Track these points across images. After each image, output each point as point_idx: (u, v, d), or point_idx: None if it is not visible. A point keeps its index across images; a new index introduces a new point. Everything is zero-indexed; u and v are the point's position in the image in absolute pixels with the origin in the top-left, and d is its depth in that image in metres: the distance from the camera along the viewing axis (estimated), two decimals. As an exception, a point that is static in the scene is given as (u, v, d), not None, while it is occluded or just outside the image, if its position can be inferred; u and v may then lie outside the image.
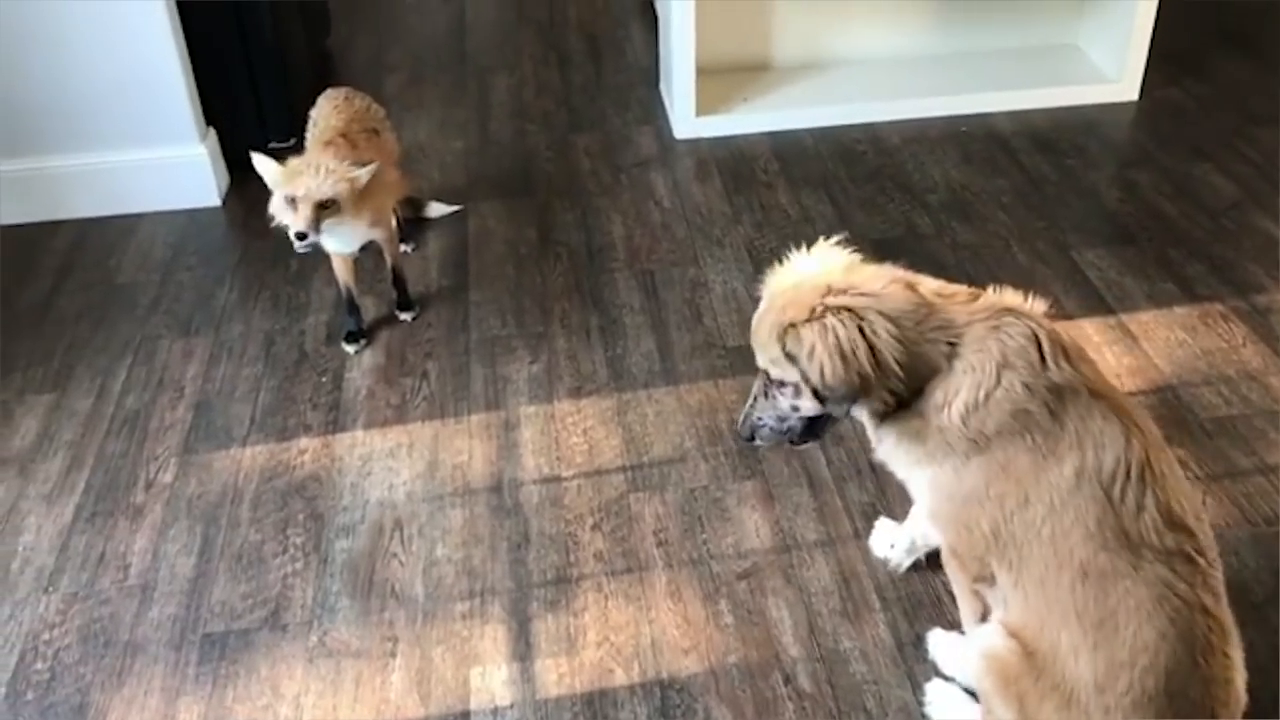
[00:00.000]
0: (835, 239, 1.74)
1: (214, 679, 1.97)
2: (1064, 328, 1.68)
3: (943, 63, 3.69)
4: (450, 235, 3.06)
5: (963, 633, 1.92)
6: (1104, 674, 1.54)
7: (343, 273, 2.67)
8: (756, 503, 2.25)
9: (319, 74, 3.65)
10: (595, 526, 2.22)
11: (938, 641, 1.95)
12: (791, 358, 1.63)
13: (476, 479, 2.33)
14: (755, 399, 1.77)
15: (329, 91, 2.79)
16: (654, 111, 3.59)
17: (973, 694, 1.80)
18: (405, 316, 2.76)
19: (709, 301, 2.78)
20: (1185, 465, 2.28)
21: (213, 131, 3.21)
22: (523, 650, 2.00)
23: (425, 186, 3.20)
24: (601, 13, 4.25)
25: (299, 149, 2.66)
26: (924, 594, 2.07)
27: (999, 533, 1.61)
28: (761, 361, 1.72)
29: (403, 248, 2.92)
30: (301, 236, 2.36)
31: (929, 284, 1.68)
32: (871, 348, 1.58)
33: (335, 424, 2.47)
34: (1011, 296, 1.66)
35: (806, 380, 1.62)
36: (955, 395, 1.59)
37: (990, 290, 1.68)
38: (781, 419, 1.75)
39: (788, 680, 1.94)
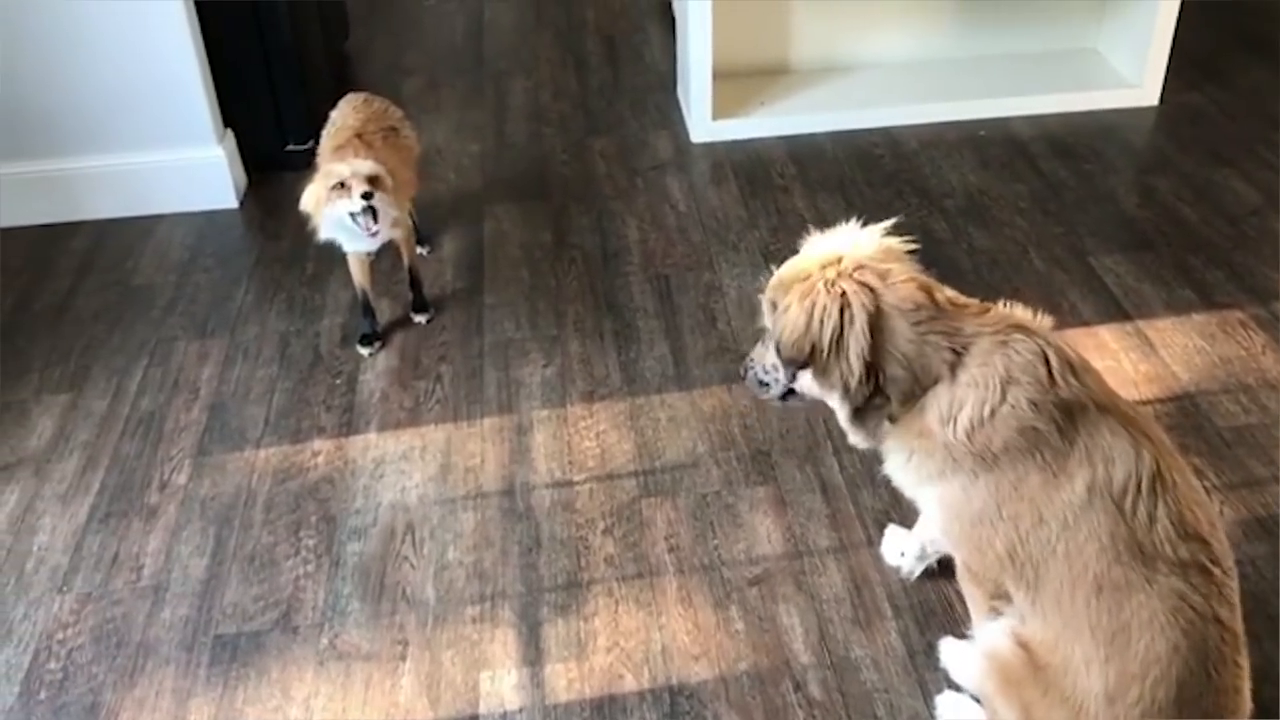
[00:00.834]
0: (891, 223, 1.72)
1: (225, 680, 1.98)
2: (1080, 334, 1.68)
3: (961, 67, 3.68)
4: (465, 238, 3.06)
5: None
6: (1115, 685, 1.53)
7: (359, 275, 2.68)
8: (769, 508, 2.25)
9: (337, 77, 3.66)
10: (607, 531, 2.22)
11: (949, 650, 1.93)
12: (774, 309, 1.68)
13: (489, 482, 2.33)
14: (758, 344, 1.82)
15: (349, 95, 2.79)
16: (671, 115, 3.59)
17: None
18: (420, 319, 2.77)
19: (723, 306, 2.77)
20: (1202, 474, 2.26)
21: (230, 133, 3.23)
22: (533, 655, 2.00)
23: (440, 188, 3.20)
24: (619, 16, 4.25)
25: (316, 151, 2.68)
26: (936, 602, 2.05)
27: (1015, 554, 1.60)
28: (763, 322, 1.76)
29: (419, 250, 2.92)
30: (367, 196, 2.40)
31: (946, 292, 1.66)
32: (841, 330, 1.58)
33: (349, 426, 2.48)
34: (1021, 313, 1.65)
35: (772, 335, 1.68)
36: (959, 410, 1.58)
37: (1001, 304, 1.67)
38: (765, 371, 1.79)
39: (798, 687, 1.93)
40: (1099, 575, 1.53)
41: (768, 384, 1.80)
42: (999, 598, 1.72)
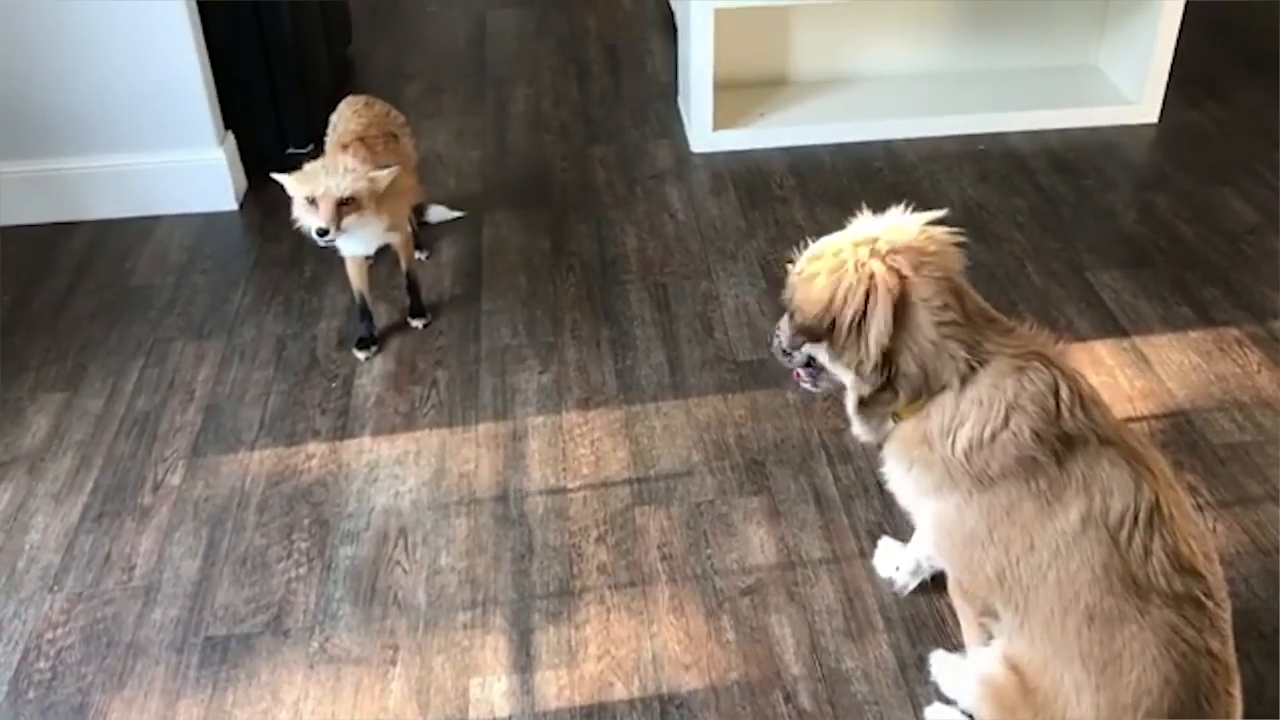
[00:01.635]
0: (941, 213, 1.69)
1: (214, 682, 1.98)
2: (1077, 349, 1.68)
3: (962, 81, 3.69)
4: (464, 244, 3.06)
5: (966, 656, 1.91)
6: (1106, 715, 1.52)
7: (357, 278, 2.68)
8: (762, 519, 2.24)
9: (339, 81, 3.67)
10: (600, 539, 2.21)
11: (940, 664, 1.93)
12: (800, 279, 1.64)
13: (482, 488, 2.33)
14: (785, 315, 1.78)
15: (349, 98, 2.80)
16: (671, 125, 3.59)
17: (973, 719, 1.79)
18: (417, 324, 2.77)
19: (720, 315, 2.77)
20: (1195, 491, 2.26)
21: (231, 136, 3.23)
22: (523, 661, 2.00)
23: (440, 194, 3.20)
24: (622, 25, 4.26)
25: (317, 155, 2.67)
26: (928, 615, 2.05)
27: (1004, 577, 1.60)
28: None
29: (417, 254, 2.92)
30: (323, 233, 2.37)
31: (978, 300, 1.64)
32: (864, 311, 1.56)
33: (344, 430, 2.47)
34: (1044, 339, 1.64)
35: (792, 305, 1.65)
36: (960, 425, 1.57)
37: (1028, 327, 1.66)
38: (790, 341, 1.75)
39: (788, 699, 1.92)
40: (1090, 605, 1.53)
41: (790, 354, 1.76)
42: (988, 614, 1.72)
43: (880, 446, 1.76)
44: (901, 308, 1.56)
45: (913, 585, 2.07)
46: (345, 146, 2.56)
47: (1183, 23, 3.38)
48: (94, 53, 2.95)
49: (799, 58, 3.71)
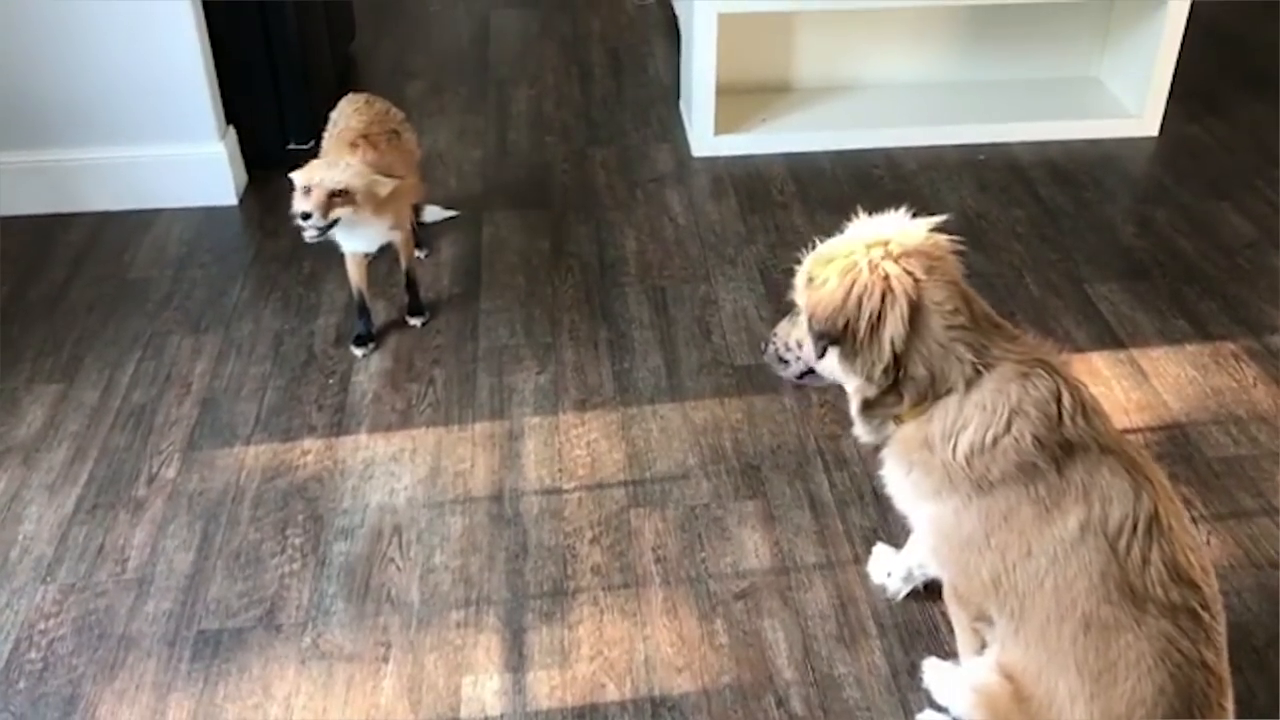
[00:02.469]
0: (942, 219, 1.68)
1: (206, 676, 1.97)
2: (1074, 361, 1.67)
3: (963, 91, 3.69)
4: (463, 243, 3.06)
5: (959, 663, 1.91)
6: None
7: (356, 275, 2.68)
8: (757, 523, 2.24)
9: (341, 78, 3.67)
10: (594, 540, 2.21)
11: (932, 671, 1.93)
12: (810, 282, 1.62)
13: (478, 487, 2.33)
14: (784, 320, 1.78)
15: (349, 95, 2.80)
16: (673, 128, 3.60)
17: (965, 725, 1.79)
18: (415, 322, 2.76)
19: (719, 320, 2.77)
20: (1190, 504, 2.26)
21: (232, 130, 3.23)
22: (516, 661, 1.99)
23: (441, 193, 3.20)
24: (625, 28, 4.27)
25: (318, 152, 2.67)
26: (921, 622, 2.05)
27: (1000, 582, 1.60)
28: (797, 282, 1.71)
29: (417, 253, 2.92)
30: (306, 216, 2.37)
31: (984, 307, 1.65)
32: (880, 313, 1.55)
33: (340, 426, 2.47)
34: (1049, 348, 1.64)
35: (806, 308, 1.63)
36: (961, 430, 1.57)
37: (1030, 335, 1.66)
38: (787, 348, 1.76)
39: (780, 703, 1.92)
40: (1087, 613, 1.53)
41: (787, 361, 1.76)
42: (982, 620, 1.72)
43: (879, 449, 1.76)
44: (915, 311, 1.56)
45: (905, 591, 2.08)
46: (353, 145, 2.56)
47: (1185, 37, 3.39)
48: (96, 44, 2.95)
49: (801, 64, 3.71)
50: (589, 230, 3.11)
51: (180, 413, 2.51)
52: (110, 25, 2.93)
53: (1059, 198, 3.26)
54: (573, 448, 2.42)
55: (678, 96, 3.73)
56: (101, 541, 2.22)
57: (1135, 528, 1.52)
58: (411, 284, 2.76)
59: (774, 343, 1.78)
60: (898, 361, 1.59)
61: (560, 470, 2.36)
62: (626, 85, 3.87)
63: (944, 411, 1.59)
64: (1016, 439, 1.55)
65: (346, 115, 2.71)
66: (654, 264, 2.97)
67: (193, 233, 3.10)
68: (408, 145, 2.80)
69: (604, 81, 3.89)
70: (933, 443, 1.60)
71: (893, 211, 1.68)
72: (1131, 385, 2.56)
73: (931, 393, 1.60)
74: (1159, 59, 3.42)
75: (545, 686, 1.95)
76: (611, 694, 1.94)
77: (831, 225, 3.12)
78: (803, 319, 1.67)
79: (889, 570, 2.09)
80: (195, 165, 3.16)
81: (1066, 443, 1.55)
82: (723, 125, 3.44)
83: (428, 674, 1.98)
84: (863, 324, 1.56)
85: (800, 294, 1.67)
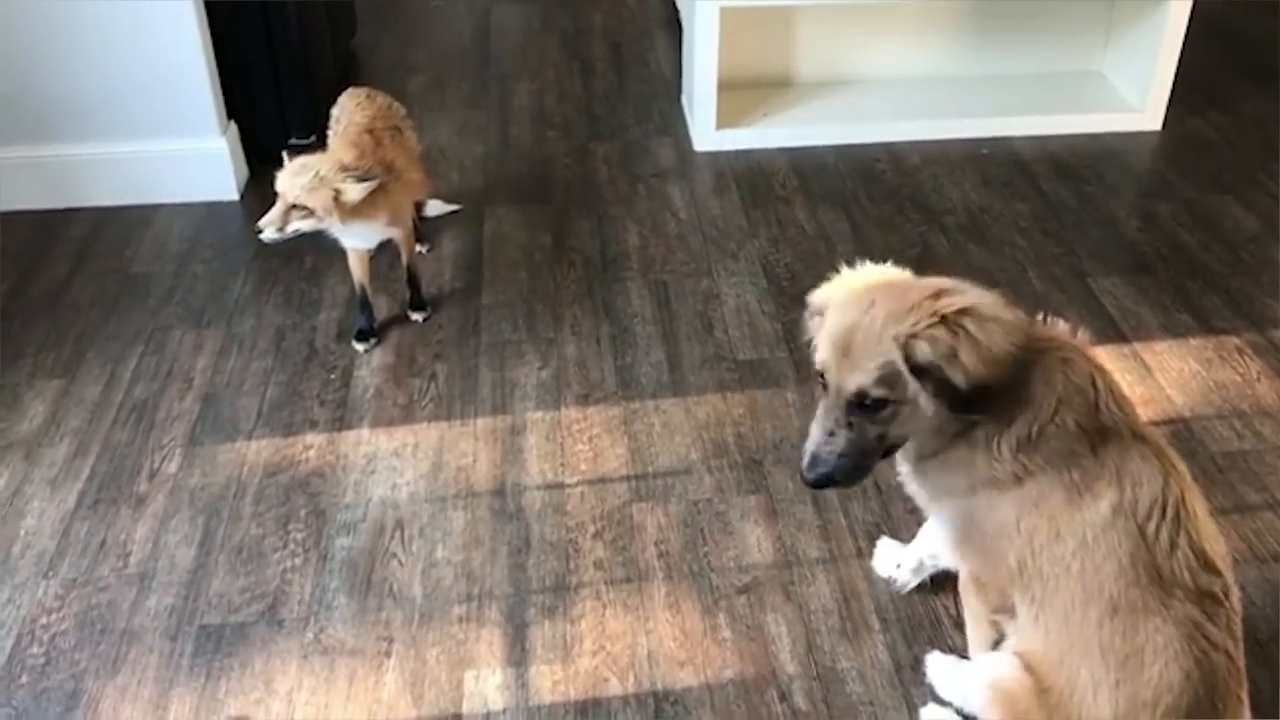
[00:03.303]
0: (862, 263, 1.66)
1: (208, 671, 1.97)
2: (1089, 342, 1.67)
3: (966, 85, 3.68)
4: (465, 238, 3.06)
5: (963, 657, 1.90)
6: (1124, 712, 1.52)
7: (358, 270, 2.67)
8: (759, 517, 2.24)
9: (342, 73, 3.66)
10: (597, 535, 2.21)
11: (936, 665, 1.93)
12: (920, 370, 1.49)
13: (480, 482, 2.32)
14: (831, 433, 1.58)
15: (350, 90, 2.80)
16: (674, 123, 3.59)
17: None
18: (417, 317, 2.76)
19: (721, 314, 2.77)
20: (1194, 498, 2.26)
21: (233, 125, 3.22)
22: (518, 656, 1.99)
23: (442, 188, 3.20)
24: (627, 23, 4.26)
25: (319, 146, 2.67)
26: (924, 616, 2.05)
27: (1025, 566, 1.59)
28: (853, 383, 1.54)
29: (419, 248, 2.92)
30: (259, 231, 2.40)
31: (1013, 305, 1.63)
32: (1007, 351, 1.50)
33: (342, 421, 2.47)
34: (1073, 334, 1.64)
35: (943, 391, 1.48)
36: (1008, 425, 1.55)
37: (1044, 319, 1.66)
38: (866, 453, 1.58)
39: (783, 697, 1.92)
40: (1115, 596, 1.53)
41: (863, 468, 1.60)
42: (1002, 612, 1.71)
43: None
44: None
45: (913, 584, 2.07)
46: (354, 141, 2.56)
47: (1187, 31, 3.39)
48: (97, 39, 2.95)
49: (803, 58, 3.70)
50: (591, 225, 3.11)
51: (182, 408, 2.51)
52: (112, 21, 2.92)
53: (1062, 192, 3.25)
54: (575, 442, 2.41)
55: (679, 91, 3.72)
56: (103, 537, 2.21)
57: (1164, 512, 1.53)
58: (413, 280, 2.76)
59: (843, 460, 1.58)
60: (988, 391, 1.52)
61: (562, 465, 2.36)
62: (628, 80, 3.86)
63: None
64: (1060, 426, 1.54)
65: (349, 111, 2.71)
66: (656, 259, 2.97)
67: (194, 228, 3.10)
68: (409, 141, 2.79)
69: (605, 76, 3.88)
70: (975, 440, 1.58)
71: (839, 271, 1.67)
72: (1135, 379, 2.56)
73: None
74: (1162, 53, 3.41)
75: (548, 681, 1.95)
76: (614, 688, 1.94)
77: (834, 219, 3.13)
78: (884, 415, 1.54)
79: (898, 562, 2.08)
80: (196, 160, 3.15)
81: (1102, 428, 1.55)
82: (724, 119, 3.44)
83: (430, 669, 1.97)
84: (1006, 369, 1.50)
85: (886, 385, 1.52)
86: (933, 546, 1.95)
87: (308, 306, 2.81)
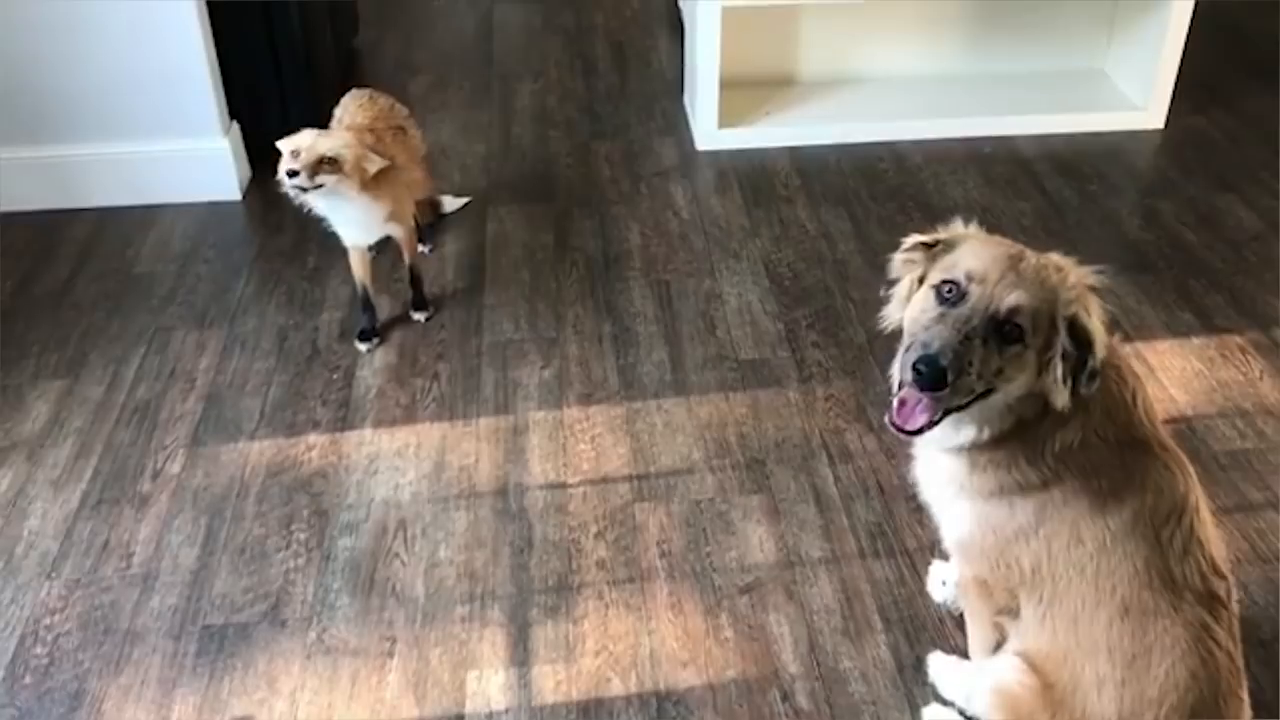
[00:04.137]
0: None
1: (211, 671, 1.97)
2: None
3: (968, 84, 3.68)
4: (467, 238, 3.06)
5: (965, 658, 1.90)
6: (1129, 710, 1.53)
7: (359, 270, 2.68)
8: (762, 517, 2.24)
9: (345, 73, 3.66)
10: (599, 534, 2.21)
11: (938, 666, 1.93)
12: (1078, 326, 1.46)
13: (482, 482, 2.33)
14: (969, 338, 1.44)
15: (353, 91, 2.80)
16: (676, 122, 3.59)
17: None
18: (419, 317, 2.76)
19: (723, 314, 2.77)
20: (1197, 497, 2.26)
21: (236, 125, 3.23)
22: (521, 655, 1.99)
23: (444, 188, 3.20)
24: (629, 22, 4.26)
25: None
26: (926, 617, 2.05)
27: (1039, 568, 1.60)
28: (1013, 299, 1.45)
29: (421, 248, 2.92)
30: (292, 174, 2.36)
31: None
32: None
33: (344, 421, 2.47)
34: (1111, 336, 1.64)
35: (1079, 355, 1.46)
36: (1058, 430, 1.54)
37: None
38: (980, 376, 1.47)
39: (785, 698, 1.92)
40: (1126, 598, 1.54)
41: (967, 368, 1.45)
42: (1005, 614, 1.71)
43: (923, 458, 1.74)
44: None
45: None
46: (357, 134, 2.56)
47: (1190, 29, 3.38)
48: (100, 39, 2.95)
49: (806, 57, 3.70)
50: (593, 224, 3.11)
51: (185, 408, 2.51)
52: (114, 21, 2.92)
53: (1064, 190, 3.25)
54: (577, 442, 2.41)
55: (681, 90, 3.72)
56: (106, 537, 2.22)
57: (1180, 519, 1.54)
58: (415, 280, 2.76)
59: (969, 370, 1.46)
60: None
61: (565, 465, 2.36)
62: (630, 79, 3.86)
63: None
64: (1100, 437, 1.55)
65: (351, 111, 2.71)
66: (658, 258, 2.97)
67: (197, 228, 3.10)
68: (412, 141, 2.80)
69: (608, 75, 3.88)
70: (1026, 439, 1.56)
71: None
72: (1137, 378, 2.55)
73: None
74: (1164, 51, 3.41)
75: (550, 681, 1.95)
76: (616, 688, 1.94)
77: (836, 218, 3.13)
78: (1059, 339, 1.48)
79: (943, 580, 2.06)
80: (199, 160, 3.16)
81: (1134, 440, 1.56)
82: (727, 119, 3.44)
83: (433, 669, 1.98)
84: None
85: (1038, 327, 1.47)
86: (952, 543, 1.93)
87: (310, 306, 2.81)
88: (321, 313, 2.79)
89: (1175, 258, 2.97)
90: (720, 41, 3.31)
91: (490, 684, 1.95)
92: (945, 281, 1.50)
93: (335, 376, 2.60)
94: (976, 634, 1.84)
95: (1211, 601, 1.54)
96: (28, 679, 1.96)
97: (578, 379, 2.58)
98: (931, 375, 1.43)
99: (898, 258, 1.63)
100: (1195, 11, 3.36)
